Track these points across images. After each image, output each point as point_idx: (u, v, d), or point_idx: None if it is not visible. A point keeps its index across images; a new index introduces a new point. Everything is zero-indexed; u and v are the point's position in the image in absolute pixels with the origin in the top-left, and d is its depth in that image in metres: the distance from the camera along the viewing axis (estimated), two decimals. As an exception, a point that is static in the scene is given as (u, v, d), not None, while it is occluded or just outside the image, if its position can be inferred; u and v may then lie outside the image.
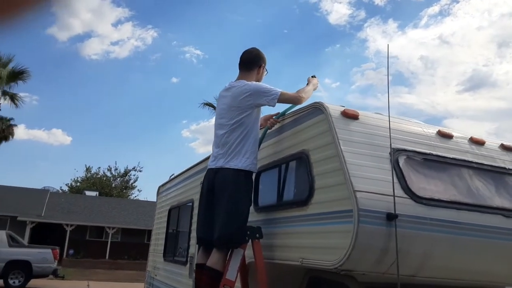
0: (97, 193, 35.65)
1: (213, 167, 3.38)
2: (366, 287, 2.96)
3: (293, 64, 62.25)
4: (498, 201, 3.00)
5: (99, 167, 45.18)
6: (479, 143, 3.33)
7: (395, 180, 2.70)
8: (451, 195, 2.84)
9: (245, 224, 3.21)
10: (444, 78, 56.56)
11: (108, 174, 44.51)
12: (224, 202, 3.17)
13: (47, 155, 60.04)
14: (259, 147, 3.70)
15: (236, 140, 3.31)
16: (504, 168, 3.24)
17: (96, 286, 18.31)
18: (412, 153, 2.93)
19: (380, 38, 55.83)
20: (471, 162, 3.13)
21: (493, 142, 3.45)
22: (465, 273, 2.88)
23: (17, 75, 22.88)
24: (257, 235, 3.25)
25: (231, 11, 60.61)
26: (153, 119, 62.32)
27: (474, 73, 54.85)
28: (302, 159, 3.16)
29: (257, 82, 3.46)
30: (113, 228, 28.22)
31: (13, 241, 15.93)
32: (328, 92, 55.47)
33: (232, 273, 3.08)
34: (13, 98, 23.28)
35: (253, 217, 3.78)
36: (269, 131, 3.72)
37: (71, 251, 26.17)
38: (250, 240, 3.24)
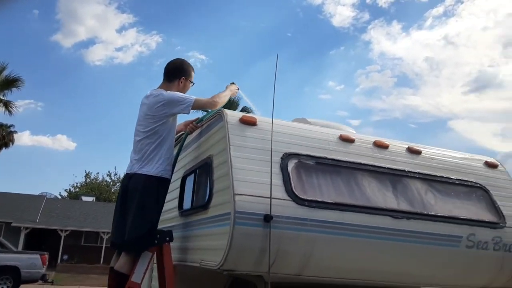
0: (94, 198, 35.82)
1: (129, 172, 3.50)
2: (274, 287, 3.07)
3: (298, 68, 62.26)
4: (389, 203, 3.11)
5: (98, 173, 45.44)
6: (382, 146, 3.44)
7: (279, 183, 2.82)
8: (337, 197, 2.95)
9: (154, 228, 3.32)
10: (449, 79, 56.42)
11: (108, 179, 44.82)
12: (133, 207, 3.28)
13: (52, 161, 60.52)
14: (179, 152, 3.83)
15: (150, 147, 3.42)
16: (404, 170, 3.35)
17: (86, 291, 18.44)
18: (304, 157, 3.05)
19: (385, 40, 55.82)
20: (368, 165, 3.24)
21: (399, 145, 3.56)
22: (355, 273, 3.00)
23: (11, 83, 23.04)
24: (167, 238, 3.36)
25: (235, 16, 60.80)
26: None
27: (479, 74, 54.66)
28: (208, 164, 3.29)
29: (173, 92, 3.53)
30: (108, 233, 28.31)
31: (1, 247, 16.11)
32: (332, 95, 55.44)
33: (138, 276, 3.18)
34: (7, 105, 23.46)
35: (177, 221, 3.92)
36: (189, 136, 3.85)
37: (65, 257, 26.30)
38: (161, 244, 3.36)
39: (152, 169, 3.37)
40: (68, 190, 43.56)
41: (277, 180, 2.83)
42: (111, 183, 44.99)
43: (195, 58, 58.56)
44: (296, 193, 2.82)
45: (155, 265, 3.58)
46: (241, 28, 59.89)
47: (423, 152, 3.60)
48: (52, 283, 16.99)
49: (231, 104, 19.90)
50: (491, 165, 3.86)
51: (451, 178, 3.51)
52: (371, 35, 55.17)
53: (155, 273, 3.69)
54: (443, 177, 3.48)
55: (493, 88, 53.78)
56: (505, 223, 3.43)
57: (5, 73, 22.91)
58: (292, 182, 2.87)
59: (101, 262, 27.37)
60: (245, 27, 59.84)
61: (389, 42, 55.33)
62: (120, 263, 3.24)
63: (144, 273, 3.23)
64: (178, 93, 3.55)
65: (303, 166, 3.03)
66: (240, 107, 20.70)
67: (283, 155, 2.99)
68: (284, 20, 62.02)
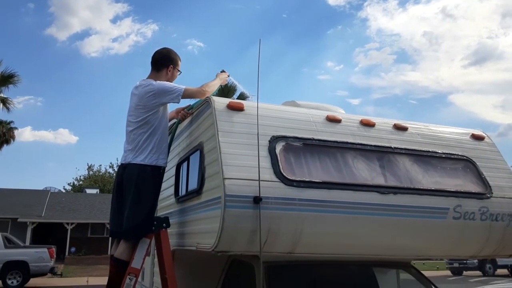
0: (98, 190, 36.10)
1: (123, 162, 3.59)
2: (268, 266, 3.19)
3: (295, 49, 61.91)
4: (376, 179, 3.20)
5: (100, 165, 45.78)
6: (369, 125, 3.52)
7: (268, 165, 2.91)
8: (325, 176, 3.04)
9: (151, 215, 3.42)
10: (448, 53, 56.00)
11: (111, 170, 45.11)
12: (130, 196, 3.38)
13: (54, 155, 60.85)
14: (172, 139, 3.92)
15: (142, 137, 3.50)
16: (390, 147, 3.43)
17: (95, 281, 18.72)
18: (292, 139, 3.14)
19: (381, 16, 55.27)
20: (355, 144, 3.32)
21: (386, 122, 3.64)
22: (345, 248, 3.10)
23: (6, 79, 23.04)
24: (164, 224, 3.47)
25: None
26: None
27: (479, 46, 54.21)
28: (200, 150, 3.38)
29: (162, 81, 3.61)
30: (114, 224, 28.66)
31: (9, 243, 16.36)
32: (332, 75, 55.08)
33: (137, 262, 3.30)
34: (4, 102, 23.52)
35: (174, 207, 4.03)
36: (181, 124, 3.93)
37: (72, 249, 26.66)
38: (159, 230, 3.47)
39: (145, 158, 3.46)
40: (72, 184, 43.95)
41: (266, 162, 2.92)
42: (114, 174, 45.25)
43: (192, 45, 58.24)
44: (284, 174, 2.91)
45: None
46: (236, 11, 59.58)
47: (409, 128, 3.68)
48: (61, 275, 17.28)
49: (228, 92, 19.93)
50: (477, 137, 3.94)
51: (437, 152, 3.60)
52: (368, 12, 54.84)
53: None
54: (429, 151, 3.57)
55: (492, 60, 53.58)
56: (492, 193, 3.52)
57: (0, 70, 22.91)
58: (280, 164, 2.96)
59: (109, 252, 27.70)
60: (240, 10, 59.55)
61: (386, 18, 54.96)
62: (120, 250, 3.36)
63: (143, 259, 3.35)
64: (168, 82, 3.62)
65: (291, 148, 3.11)
66: (237, 94, 20.73)
67: (270, 138, 3.08)
68: (279, 1, 61.51)
